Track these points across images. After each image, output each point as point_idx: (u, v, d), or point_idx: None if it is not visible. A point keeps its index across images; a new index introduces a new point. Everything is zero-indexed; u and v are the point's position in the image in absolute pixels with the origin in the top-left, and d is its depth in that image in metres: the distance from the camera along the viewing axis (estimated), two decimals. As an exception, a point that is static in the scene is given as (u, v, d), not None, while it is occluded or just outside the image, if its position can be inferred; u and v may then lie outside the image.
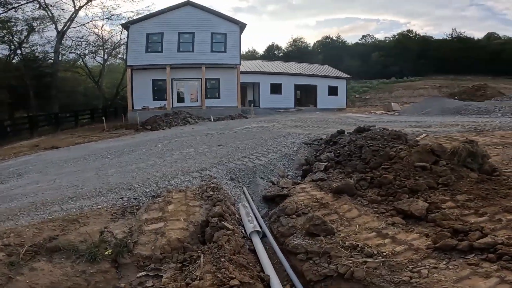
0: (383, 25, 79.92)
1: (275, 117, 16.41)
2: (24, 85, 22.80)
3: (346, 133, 7.81)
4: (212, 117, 17.67)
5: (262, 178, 5.94)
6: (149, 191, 4.94)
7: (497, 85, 25.50)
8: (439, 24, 77.25)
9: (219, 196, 4.53)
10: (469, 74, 36.43)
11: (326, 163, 6.02)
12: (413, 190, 4.13)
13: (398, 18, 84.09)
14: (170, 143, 8.99)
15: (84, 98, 34.23)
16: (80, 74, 31.94)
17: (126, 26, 19.01)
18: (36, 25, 24.02)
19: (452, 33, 46.00)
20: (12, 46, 24.06)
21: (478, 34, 60.59)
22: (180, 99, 20.17)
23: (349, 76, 26.46)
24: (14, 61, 24.38)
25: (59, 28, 24.30)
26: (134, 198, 4.76)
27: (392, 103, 19.17)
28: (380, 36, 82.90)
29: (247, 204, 4.74)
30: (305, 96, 26.29)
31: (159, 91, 19.51)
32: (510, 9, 75.94)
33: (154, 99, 19.53)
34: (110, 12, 26.82)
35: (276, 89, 23.24)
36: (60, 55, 26.19)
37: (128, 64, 18.62)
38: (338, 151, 6.59)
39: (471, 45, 41.57)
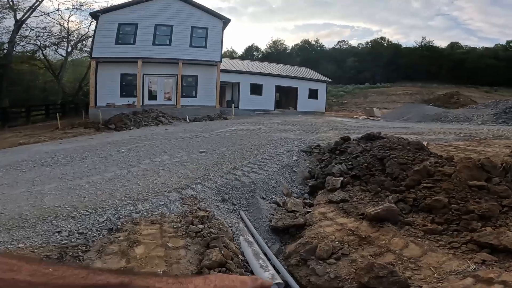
0: (357, 32, 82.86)
1: (258, 119, 15.09)
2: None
3: (352, 140, 6.70)
4: (188, 117, 15.90)
5: (263, 198, 4.56)
6: (103, 222, 3.32)
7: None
8: (407, 33, 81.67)
9: (212, 230, 3.07)
10: (435, 82, 38.14)
11: (341, 178, 4.79)
12: (484, 216, 3.03)
13: (371, 26, 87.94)
14: (138, 148, 7.23)
15: (43, 93, 30.56)
16: (39, 67, 28.20)
17: (95, 15, 16.57)
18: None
19: (421, 42, 48.15)
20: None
21: (443, 43, 64.41)
22: (152, 96, 18.08)
23: (329, 80, 26.02)
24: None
25: (19, 16, 20.94)
26: (79, 233, 3.14)
27: (374, 109, 18.85)
28: (354, 42, 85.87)
29: (251, 238, 3.32)
30: (285, 98, 25.35)
31: (128, 87, 17.28)
32: (474, 19, 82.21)
33: (121, 95, 17.25)
34: (80, 2, 23.83)
35: (256, 89, 21.98)
36: (16, 45, 22.62)
37: (93, 56, 16.19)
38: (350, 163, 5.41)
39: (437, 54, 43.78)
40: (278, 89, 22.99)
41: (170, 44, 17.10)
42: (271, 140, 8.23)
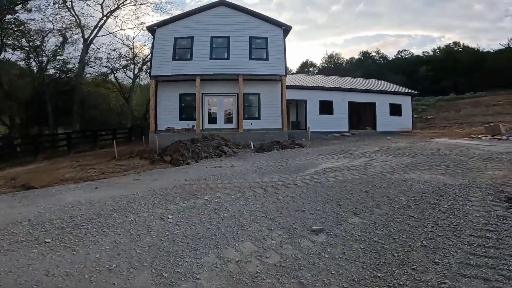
0: (415, 40, 72.96)
1: (345, 147, 11.09)
2: (43, 99, 19.96)
3: None
4: (252, 143, 12.84)
5: None
6: None
7: None
8: (475, 37, 69.10)
9: None
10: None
11: None
12: None
13: (431, 32, 76.59)
14: (194, 212, 3.99)
15: (118, 116, 31.51)
16: (111, 90, 29.12)
17: (152, 29, 15.24)
18: (69, 35, 21.58)
19: (508, 43, 38.88)
20: (45, 58, 21.64)
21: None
22: (212, 119, 15.68)
23: (415, 92, 20.70)
24: (34, 69, 21.80)
25: (86, 35, 21.49)
26: None
27: (500, 125, 13.25)
28: (415, 51, 76.25)
29: None
30: (357, 116, 20.82)
31: (187, 109, 15.22)
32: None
33: (181, 119, 15.22)
34: (141, 23, 23.93)
35: (326, 107, 18.04)
36: (86, 66, 23.34)
37: (152, 74, 14.61)
38: None
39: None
40: (352, 105, 18.71)
41: (228, 58, 14.64)
42: (422, 191, 4.34)
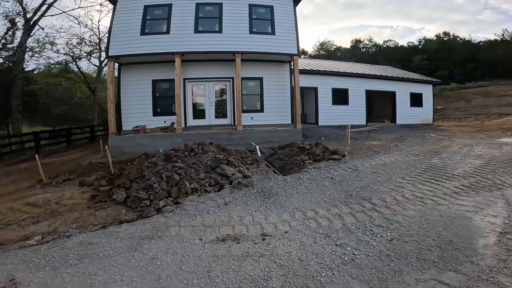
0: (397, 31, 71.92)
1: (414, 157, 7.31)
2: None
3: None
4: (258, 148, 8.87)
5: None
6: None
7: None
8: (455, 29, 69.55)
9: None
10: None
11: None
12: None
13: (411, 24, 75.95)
14: None
15: (81, 111, 26.68)
16: (75, 81, 24.07)
17: (112, -4, 10.51)
18: (18, 20, 16.21)
19: (503, 34, 37.82)
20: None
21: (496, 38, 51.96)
22: (198, 113, 11.44)
23: (438, 80, 17.51)
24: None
25: (29, 15, 16.02)
26: None
27: None
28: (398, 41, 75.23)
29: None
30: (371, 106, 17.22)
31: (163, 100, 10.88)
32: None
33: (155, 114, 10.88)
34: None
35: (341, 97, 14.34)
36: (33, 53, 17.95)
37: (110, 54, 9.98)
38: None
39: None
40: (367, 95, 15.10)
41: (220, 31, 10.33)
42: None
